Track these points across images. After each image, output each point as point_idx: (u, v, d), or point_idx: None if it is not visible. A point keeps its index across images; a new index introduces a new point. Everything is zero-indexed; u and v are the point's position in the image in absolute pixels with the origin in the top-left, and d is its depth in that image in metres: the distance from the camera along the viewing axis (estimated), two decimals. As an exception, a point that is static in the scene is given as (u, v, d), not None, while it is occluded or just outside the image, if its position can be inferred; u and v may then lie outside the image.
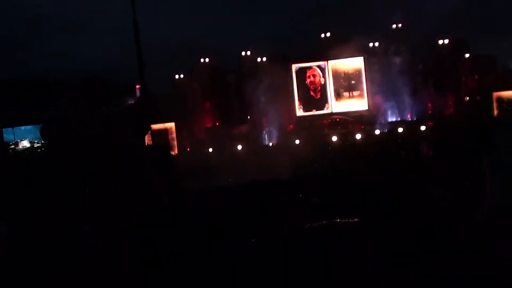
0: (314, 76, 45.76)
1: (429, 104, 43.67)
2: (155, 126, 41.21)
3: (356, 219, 3.38)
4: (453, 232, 3.21)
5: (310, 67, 45.81)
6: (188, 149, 42.11)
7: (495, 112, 40.99)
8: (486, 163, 2.11)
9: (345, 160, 26.73)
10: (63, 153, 2.73)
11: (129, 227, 2.64)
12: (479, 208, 2.16)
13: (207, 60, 46.25)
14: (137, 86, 45.39)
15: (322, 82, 45.67)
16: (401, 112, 43.92)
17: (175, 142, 41.61)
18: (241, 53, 46.61)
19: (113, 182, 2.80)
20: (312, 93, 45.77)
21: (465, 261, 2.59)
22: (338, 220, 3.80)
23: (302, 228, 3.80)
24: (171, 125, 41.97)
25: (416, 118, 40.98)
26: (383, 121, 41.61)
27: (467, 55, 45.03)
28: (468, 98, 45.29)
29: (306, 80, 45.75)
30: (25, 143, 32.83)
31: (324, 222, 4.02)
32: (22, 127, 33.03)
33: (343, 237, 3.66)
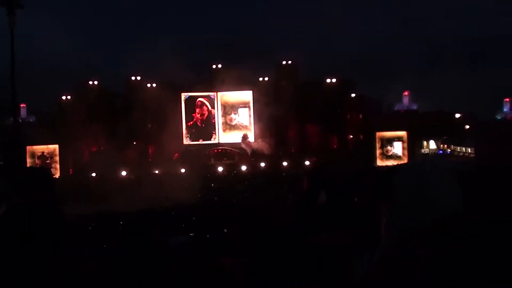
0: (202, 106, 45.85)
1: (314, 140, 44.68)
2: (38, 148, 40.08)
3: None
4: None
5: (199, 97, 45.86)
6: (71, 173, 40.97)
7: (378, 150, 42.56)
8: (383, 209, 2.21)
9: (229, 192, 26.82)
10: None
11: None
12: (375, 252, 2.25)
13: (95, 82, 45.37)
14: (22, 105, 44.21)
15: (210, 113, 45.84)
16: (286, 146, 44.68)
17: (58, 165, 40.37)
18: (130, 77, 46.02)
19: None
20: (199, 122, 45.80)
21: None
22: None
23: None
24: (54, 147, 40.74)
25: (301, 153, 41.65)
26: (268, 154, 42.06)
27: (353, 95, 46.54)
28: (352, 136, 46.78)
29: (194, 109, 45.76)
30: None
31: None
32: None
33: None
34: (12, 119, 44.13)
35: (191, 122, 45.60)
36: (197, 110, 45.77)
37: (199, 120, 45.72)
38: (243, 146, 43.49)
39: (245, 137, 43.74)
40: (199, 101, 45.82)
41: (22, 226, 2.57)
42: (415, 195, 2.08)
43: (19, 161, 25.38)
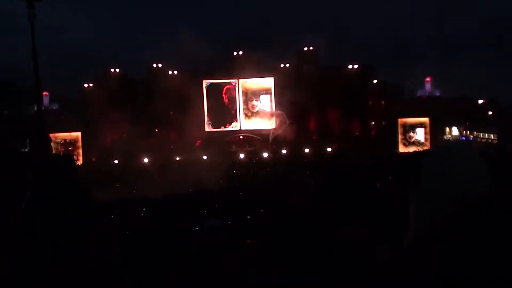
0: (228, 92, 46.01)
1: (336, 126, 44.54)
2: (61, 135, 40.37)
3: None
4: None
5: (221, 84, 45.91)
6: (94, 159, 41.22)
7: (400, 137, 42.44)
8: (412, 193, 2.20)
9: (251, 178, 26.83)
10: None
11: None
12: (405, 236, 2.24)
13: (117, 70, 45.50)
14: (45, 93, 44.52)
15: (232, 99, 45.92)
16: (308, 133, 44.59)
17: (80, 152, 40.66)
18: (151, 64, 46.13)
19: None
20: (224, 109, 45.91)
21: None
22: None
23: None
24: (77, 134, 41.04)
25: (322, 139, 41.54)
26: (290, 141, 42.03)
27: (375, 81, 46.25)
28: (374, 122, 46.54)
29: (221, 95, 45.91)
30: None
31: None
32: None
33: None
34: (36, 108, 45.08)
35: (213, 109, 45.70)
36: (224, 96, 45.98)
37: (223, 107, 45.91)
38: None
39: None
40: (227, 87, 45.98)
41: (47, 210, 2.61)
42: (444, 180, 2.07)
43: (44, 149, 25.57)
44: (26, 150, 38.53)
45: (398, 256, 2.27)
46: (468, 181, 2.08)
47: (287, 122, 43.44)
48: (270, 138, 43.23)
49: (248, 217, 11.31)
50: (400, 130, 42.93)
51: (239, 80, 45.43)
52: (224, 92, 46.02)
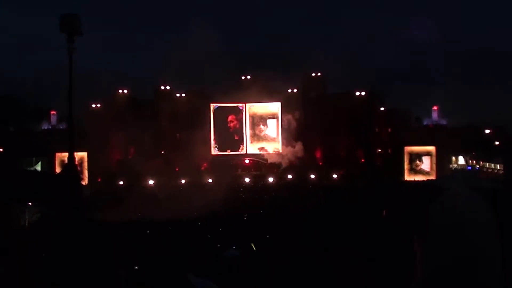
0: (235, 115, 46.10)
1: (342, 153, 44.47)
2: (67, 154, 40.32)
3: None
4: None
5: (228, 107, 46.00)
6: (99, 180, 41.10)
7: (406, 165, 42.36)
8: (418, 240, 2.11)
9: (256, 203, 26.75)
10: None
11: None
12: (412, 282, 2.16)
13: (125, 91, 45.53)
14: (52, 112, 44.54)
15: (239, 124, 45.98)
16: (314, 158, 44.53)
17: (86, 172, 40.63)
18: (159, 86, 46.24)
19: None
20: (230, 133, 45.97)
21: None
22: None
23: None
24: (83, 154, 41.01)
25: (328, 166, 41.44)
26: (296, 166, 42.00)
27: (382, 109, 46.19)
28: (380, 150, 46.38)
29: (227, 120, 46.03)
30: None
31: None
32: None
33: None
34: (45, 125, 45.11)
35: (220, 132, 45.74)
36: (230, 121, 46.06)
37: (230, 131, 45.98)
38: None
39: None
40: (233, 112, 46.10)
41: (74, 245, 2.56)
42: (455, 231, 1.98)
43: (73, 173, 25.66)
44: (33, 168, 38.48)
45: None
46: (482, 233, 2.01)
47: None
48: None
49: (252, 244, 11.22)
50: (406, 158, 42.88)
51: (247, 104, 45.49)
52: (231, 116, 46.10)
